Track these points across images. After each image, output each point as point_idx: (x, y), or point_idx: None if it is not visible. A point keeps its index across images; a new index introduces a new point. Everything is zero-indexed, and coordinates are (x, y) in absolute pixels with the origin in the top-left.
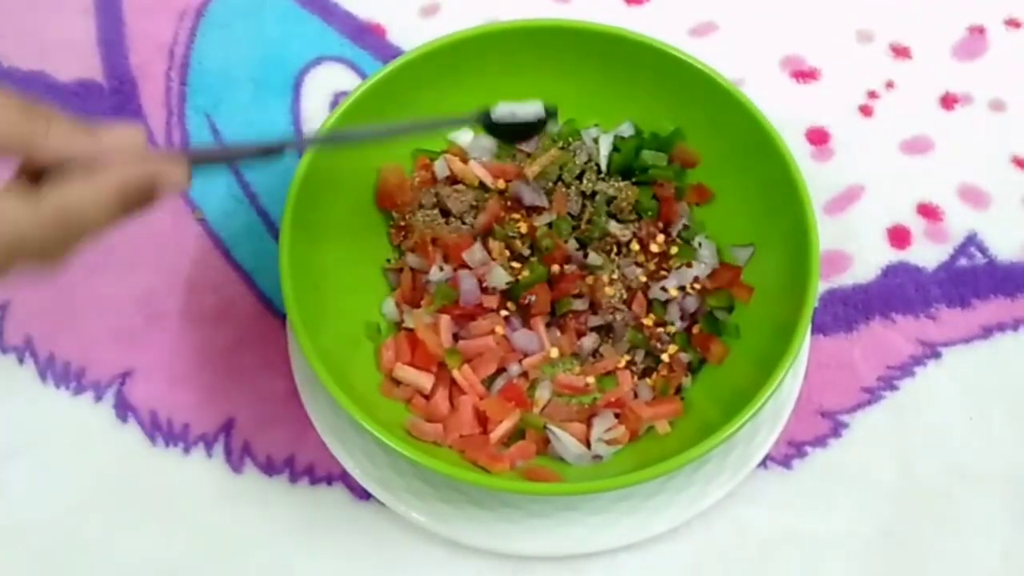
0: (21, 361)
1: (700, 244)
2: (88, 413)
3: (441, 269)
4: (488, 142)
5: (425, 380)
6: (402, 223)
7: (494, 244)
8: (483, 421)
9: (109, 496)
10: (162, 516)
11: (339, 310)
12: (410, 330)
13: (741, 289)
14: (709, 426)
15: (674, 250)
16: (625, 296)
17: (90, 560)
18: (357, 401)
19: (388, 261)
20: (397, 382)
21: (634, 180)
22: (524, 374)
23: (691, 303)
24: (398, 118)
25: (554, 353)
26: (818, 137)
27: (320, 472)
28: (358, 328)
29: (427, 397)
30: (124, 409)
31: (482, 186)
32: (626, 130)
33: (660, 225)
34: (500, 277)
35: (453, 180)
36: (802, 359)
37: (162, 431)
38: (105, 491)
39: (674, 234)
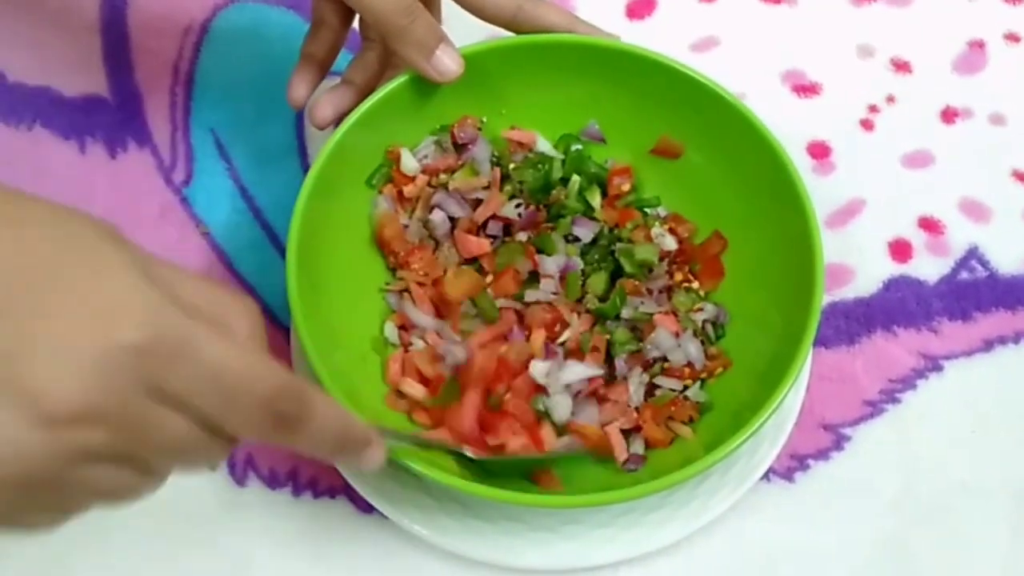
0: None
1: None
2: None
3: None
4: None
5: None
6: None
7: None
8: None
9: (111, 508)
10: (164, 528)
11: (345, 324)
12: None
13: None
14: (712, 440)
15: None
16: None
17: (92, 571)
18: (363, 414)
19: (386, 283)
20: (403, 394)
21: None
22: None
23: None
24: (402, 132)
25: None
26: (819, 151)
27: (323, 485)
28: (364, 342)
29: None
30: None
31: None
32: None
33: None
34: None
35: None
36: (804, 372)
37: None
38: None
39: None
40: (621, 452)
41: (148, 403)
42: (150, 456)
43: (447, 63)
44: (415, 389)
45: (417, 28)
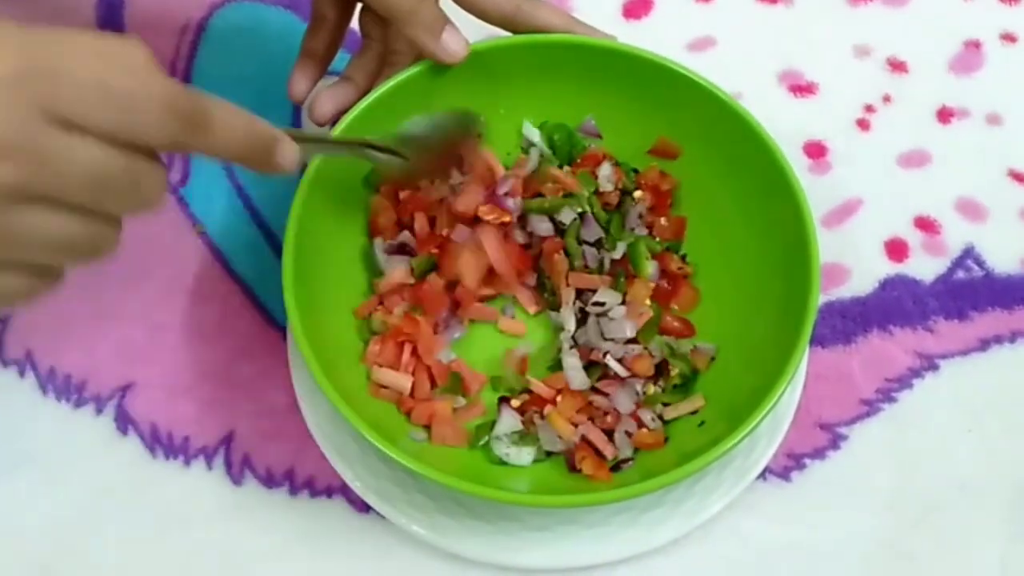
0: (22, 374)
1: None
2: (89, 426)
3: None
4: None
5: (404, 381)
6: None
7: None
8: None
9: (110, 509)
10: (162, 529)
11: (342, 323)
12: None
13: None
14: (708, 439)
15: None
16: None
17: (90, 572)
18: (359, 413)
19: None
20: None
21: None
22: None
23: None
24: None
25: None
26: (816, 151)
27: (320, 485)
28: (359, 342)
29: (412, 395)
30: (124, 422)
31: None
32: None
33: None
34: None
35: None
36: (800, 371)
37: (162, 444)
38: (106, 503)
39: None
40: (608, 452)
41: (50, 131)
42: (77, 190)
43: (454, 45)
44: (387, 376)
45: (424, 11)
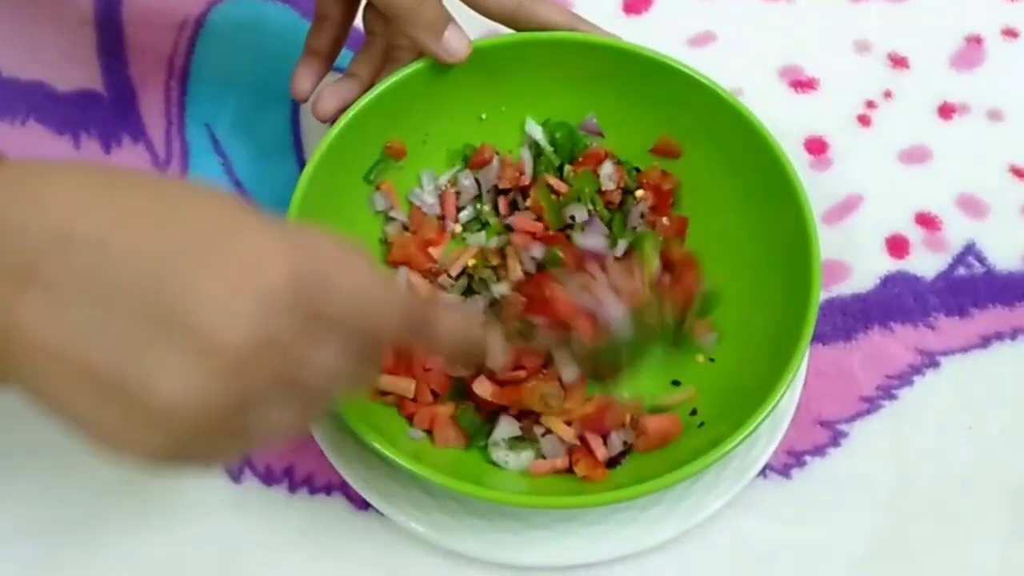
0: None
1: None
2: None
3: None
4: None
5: (407, 384)
6: None
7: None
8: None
9: (110, 505)
10: (161, 525)
11: None
12: None
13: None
14: (709, 438)
15: None
16: None
17: (90, 568)
18: (357, 413)
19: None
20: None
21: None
22: None
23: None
24: (400, 128)
25: None
26: (816, 147)
27: (319, 482)
28: None
29: (414, 399)
30: None
31: None
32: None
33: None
34: None
35: None
36: (801, 369)
37: None
38: (106, 500)
39: None
40: (600, 454)
41: (306, 335)
42: (313, 384)
43: (455, 44)
44: (390, 382)
45: (426, 10)
